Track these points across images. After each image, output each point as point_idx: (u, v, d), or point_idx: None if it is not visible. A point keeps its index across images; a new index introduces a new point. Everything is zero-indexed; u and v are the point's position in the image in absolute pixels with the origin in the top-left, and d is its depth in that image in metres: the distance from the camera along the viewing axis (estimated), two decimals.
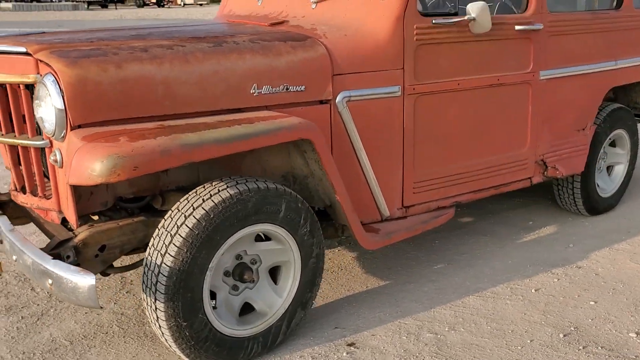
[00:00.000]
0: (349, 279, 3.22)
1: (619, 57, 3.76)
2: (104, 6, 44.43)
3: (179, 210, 2.24)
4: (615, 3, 3.75)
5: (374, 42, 2.74)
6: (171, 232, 2.19)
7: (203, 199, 2.23)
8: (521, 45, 3.20)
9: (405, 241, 3.63)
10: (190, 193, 2.29)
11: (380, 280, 3.20)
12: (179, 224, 2.20)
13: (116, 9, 41.34)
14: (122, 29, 2.85)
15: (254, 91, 2.46)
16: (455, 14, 2.89)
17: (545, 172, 3.53)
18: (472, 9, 2.84)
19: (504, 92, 3.19)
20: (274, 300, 2.52)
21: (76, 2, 45.42)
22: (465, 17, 2.86)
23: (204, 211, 2.20)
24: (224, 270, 2.41)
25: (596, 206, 4.03)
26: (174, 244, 2.17)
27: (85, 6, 43.48)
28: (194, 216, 2.19)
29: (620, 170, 4.20)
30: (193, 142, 2.08)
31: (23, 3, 41.81)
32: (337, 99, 2.66)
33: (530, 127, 3.36)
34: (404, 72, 2.81)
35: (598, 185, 4.11)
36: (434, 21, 2.84)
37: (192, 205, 2.22)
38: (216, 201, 2.22)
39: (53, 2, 45.38)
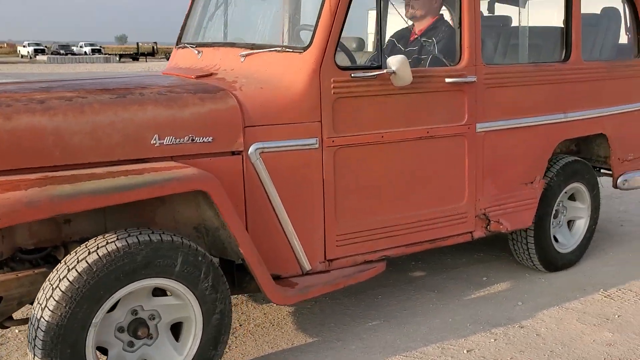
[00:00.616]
0: (277, 335, 3.12)
1: (569, 109, 3.70)
2: (135, 59, 45.75)
3: (65, 263, 2.20)
4: (563, 55, 3.71)
5: (290, 95, 2.73)
6: (53, 285, 2.15)
7: (89, 252, 2.20)
8: (454, 98, 3.16)
9: (346, 295, 3.53)
10: (82, 245, 2.26)
11: (309, 337, 3.09)
12: (61, 277, 2.16)
13: (146, 61, 42.57)
14: (42, 81, 2.89)
15: (155, 142, 2.45)
16: (379, 67, 2.87)
17: (488, 227, 3.43)
18: (392, 63, 2.82)
19: (436, 144, 3.14)
20: (172, 358, 2.44)
21: (108, 55, 47.04)
22: (385, 71, 2.84)
23: (87, 264, 2.16)
24: (117, 326, 2.35)
25: (554, 262, 3.89)
26: (53, 297, 2.13)
27: (117, 59, 44.87)
28: (76, 269, 2.15)
29: (581, 225, 4.07)
30: (65, 194, 2.06)
31: (58, 56, 43.40)
32: (250, 151, 2.64)
33: (468, 180, 3.29)
34: (322, 125, 2.79)
35: (557, 240, 3.99)
36: (352, 75, 2.82)
37: (77, 257, 2.19)
38: (101, 254, 2.18)
39: (87, 54, 47.01)
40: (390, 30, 3.77)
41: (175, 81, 2.85)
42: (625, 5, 4.21)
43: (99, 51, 49.21)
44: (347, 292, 3.56)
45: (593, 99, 3.86)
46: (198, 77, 2.98)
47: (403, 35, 3.56)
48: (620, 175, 4.19)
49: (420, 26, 3.48)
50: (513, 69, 3.40)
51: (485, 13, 4.26)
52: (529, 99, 3.48)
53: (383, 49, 2.93)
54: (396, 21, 3.77)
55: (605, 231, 4.79)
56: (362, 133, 2.90)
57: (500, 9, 5.13)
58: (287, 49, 2.88)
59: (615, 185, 4.21)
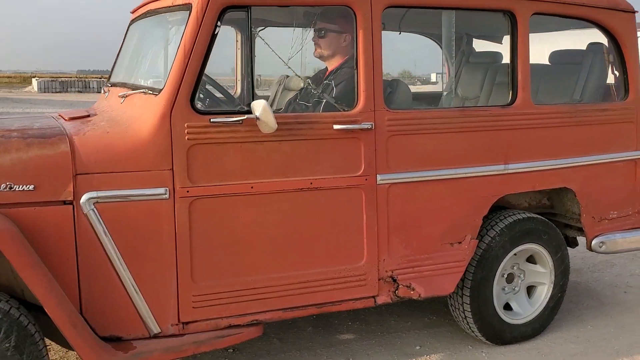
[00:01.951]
0: None
1: (511, 160, 3.23)
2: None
3: None
4: (509, 99, 3.27)
5: (136, 141, 2.54)
6: None
7: None
8: (346, 146, 2.83)
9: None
10: None
11: None
12: None
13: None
14: None
15: None
16: (248, 112, 2.62)
17: (396, 292, 3.02)
18: (255, 108, 2.57)
19: (322, 197, 2.81)
20: None
21: None
22: (245, 117, 2.59)
23: None
24: None
25: (500, 334, 3.38)
26: None
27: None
28: None
29: (542, 292, 3.53)
30: None
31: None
32: (82, 200, 2.46)
33: (368, 237, 2.91)
34: (174, 174, 2.56)
35: (511, 309, 3.47)
36: (212, 120, 2.59)
37: None
38: None
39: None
40: None
41: (30, 123, 2.74)
42: (609, 42, 3.67)
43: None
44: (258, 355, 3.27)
45: (550, 148, 3.35)
46: (71, 118, 2.87)
47: (317, 77, 3.28)
48: (596, 237, 3.60)
49: (331, 66, 3.18)
50: (426, 115, 3.01)
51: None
52: (451, 148, 3.06)
53: (252, 91, 2.68)
54: None
55: (601, 298, 4.15)
56: (227, 183, 2.65)
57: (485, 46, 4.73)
58: (148, 91, 2.70)
59: (589, 248, 3.63)
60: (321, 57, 3.19)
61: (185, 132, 2.56)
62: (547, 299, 3.51)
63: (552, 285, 3.50)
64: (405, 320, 3.77)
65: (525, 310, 3.48)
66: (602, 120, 3.54)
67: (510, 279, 3.48)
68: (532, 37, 4.47)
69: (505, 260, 3.32)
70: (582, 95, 3.81)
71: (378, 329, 3.65)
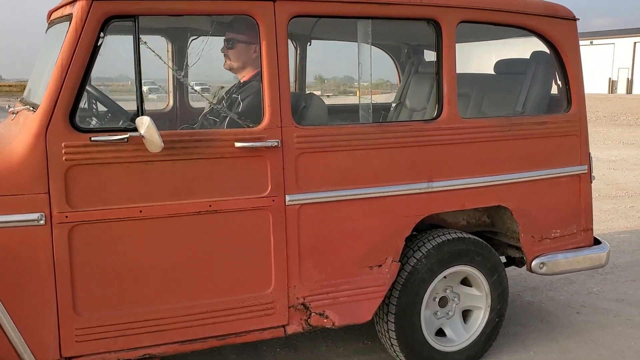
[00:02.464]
0: None
1: (436, 177, 3.03)
2: None
3: None
4: (435, 113, 3.07)
5: (9, 162, 2.35)
6: None
7: None
8: (250, 165, 2.64)
9: None
10: None
11: None
12: None
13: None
14: None
15: None
16: (134, 129, 2.42)
17: (308, 320, 2.81)
18: (139, 125, 2.37)
19: (223, 220, 2.61)
20: None
21: None
22: (127, 136, 2.39)
23: None
24: None
25: None
26: None
27: None
28: None
29: (478, 317, 3.32)
30: None
31: None
32: None
33: (276, 262, 2.71)
34: (50, 198, 2.37)
35: (445, 335, 3.27)
36: (92, 139, 2.40)
37: None
38: None
39: None
40: None
41: None
42: (550, 51, 3.48)
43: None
44: None
45: (481, 164, 3.15)
46: None
47: (231, 90, 3.09)
48: (536, 257, 3.40)
49: (242, 79, 2.99)
50: (340, 131, 2.81)
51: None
52: (368, 166, 2.86)
53: (140, 106, 2.48)
54: None
55: (551, 319, 3.94)
56: (111, 207, 2.45)
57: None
58: (31, 108, 2.51)
59: (529, 269, 3.42)
60: (231, 69, 3.01)
61: (63, 152, 2.36)
62: (483, 324, 3.30)
63: (488, 309, 3.30)
64: (338, 345, 3.56)
65: (459, 337, 3.28)
66: (541, 133, 3.34)
67: (443, 302, 3.28)
68: (480, 45, 4.31)
69: (433, 284, 3.12)
70: (524, 107, 3.62)
71: (308, 356, 3.44)
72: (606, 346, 3.57)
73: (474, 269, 3.22)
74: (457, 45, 3.19)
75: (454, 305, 3.30)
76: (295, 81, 4.53)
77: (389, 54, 4.86)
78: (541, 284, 4.60)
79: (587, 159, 3.53)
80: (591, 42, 49.71)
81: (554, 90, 3.63)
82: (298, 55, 4.42)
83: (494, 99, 3.88)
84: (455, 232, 3.18)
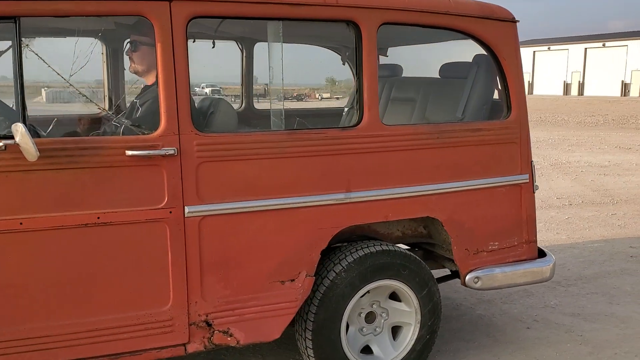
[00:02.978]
0: None
1: (354, 187, 2.87)
2: None
3: None
4: (355, 118, 2.92)
5: None
6: None
7: None
8: (144, 175, 2.50)
9: None
10: None
11: None
12: None
13: None
14: None
15: None
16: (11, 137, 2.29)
17: (211, 339, 2.67)
18: (14, 132, 2.24)
19: (114, 233, 2.47)
20: None
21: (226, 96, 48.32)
22: (2, 144, 2.26)
23: None
24: None
25: None
26: None
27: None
28: None
29: (407, 333, 3.16)
30: None
31: None
32: None
33: (174, 277, 2.57)
34: None
35: (372, 352, 3.11)
36: None
37: None
38: None
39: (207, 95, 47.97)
40: None
41: None
42: (488, 55, 3.31)
43: (218, 92, 50.65)
44: None
45: (407, 173, 3.00)
46: None
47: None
48: (471, 271, 3.23)
49: (148, 83, 2.86)
50: (246, 139, 2.67)
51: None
52: (278, 175, 2.72)
53: (23, 112, 2.35)
54: None
55: (498, 335, 3.77)
56: None
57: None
58: None
59: (463, 284, 3.26)
60: (137, 73, 2.87)
61: None
62: (413, 341, 3.14)
63: (418, 325, 3.14)
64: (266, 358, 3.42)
65: (387, 354, 3.12)
66: (476, 141, 3.18)
67: (371, 318, 3.13)
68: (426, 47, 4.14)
69: (355, 299, 2.96)
70: (464, 113, 3.46)
71: None
72: None
73: (401, 283, 3.06)
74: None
75: (382, 321, 3.14)
76: (242, 85, 4.40)
77: (343, 57, 4.71)
78: (497, 297, 4.43)
79: (529, 168, 3.36)
80: (603, 45, 49.78)
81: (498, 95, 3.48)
82: (244, 58, 4.29)
83: (438, 104, 3.73)
84: (379, 244, 3.03)
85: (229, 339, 2.68)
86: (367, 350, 3.14)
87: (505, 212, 3.31)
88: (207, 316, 2.65)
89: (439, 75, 3.80)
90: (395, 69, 4.30)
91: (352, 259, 2.94)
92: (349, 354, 2.98)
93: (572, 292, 4.54)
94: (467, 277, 3.22)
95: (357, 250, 2.98)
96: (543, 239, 5.95)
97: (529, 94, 54.00)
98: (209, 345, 2.66)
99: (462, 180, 3.15)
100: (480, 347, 3.61)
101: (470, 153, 3.16)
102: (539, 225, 6.45)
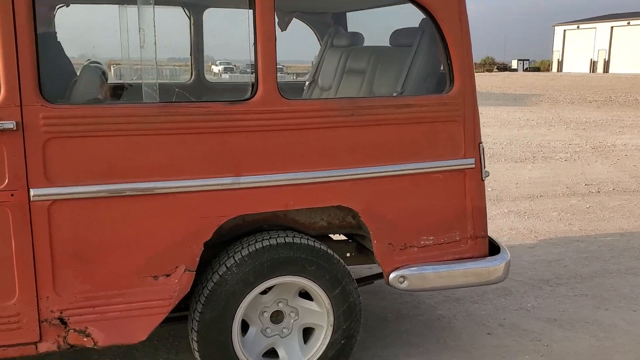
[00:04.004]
0: None
1: (246, 171, 2.49)
2: None
3: None
4: (249, 91, 2.52)
5: None
6: None
7: None
8: None
9: None
10: None
11: None
12: None
13: None
14: None
15: None
16: None
17: (66, 338, 2.37)
18: None
19: None
20: None
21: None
22: None
23: None
24: None
25: None
26: None
27: None
28: None
29: (319, 337, 2.77)
30: None
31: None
32: None
33: (20, 270, 2.28)
34: None
35: (277, 356, 2.75)
36: None
37: None
38: None
39: None
40: None
41: None
42: (428, 20, 2.83)
43: (231, 70, 50.08)
44: None
45: (314, 156, 2.59)
46: None
47: None
48: (396, 269, 2.80)
49: None
50: (107, 112, 2.32)
51: None
52: (150, 155, 2.37)
53: None
54: None
55: (450, 340, 3.32)
56: None
57: None
58: None
59: (387, 283, 2.83)
60: None
61: None
62: (325, 346, 2.76)
63: (331, 328, 2.75)
64: (180, 356, 3.11)
65: (294, 359, 2.75)
66: (403, 119, 2.72)
67: (280, 317, 2.76)
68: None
69: (250, 297, 2.60)
70: (403, 86, 3.00)
71: None
72: None
73: (308, 280, 2.67)
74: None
75: (291, 321, 2.77)
76: (191, 54, 4.05)
77: (310, 26, 4.28)
78: (468, 295, 3.95)
79: (476, 151, 2.88)
80: (628, 23, 48.36)
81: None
82: (192, 26, 3.93)
83: (384, 76, 3.27)
84: (281, 236, 2.64)
85: (85, 339, 2.37)
86: (274, 354, 2.78)
87: (443, 202, 2.85)
88: (61, 313, 2.35)
89: (389, 43, 3.34)
90: (355, 38, 3.84)
91: (247, 252, 2.57)
92: (242, 358, 2.63)
93: (558, 293, 4.01)
94: (390, 276, 2.79)
95: (252, 243, 2.60)
96: (550, 231, 5.37)
97: (557, 71, 52.29)
98: (64, 345, 2.36)
99: (384, 165, 2.71)
100: (423, 353, 3.18)
101: (396, 133, 2.71)
102: (552, 215, 5.87)
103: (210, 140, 2.44)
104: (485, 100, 20.31)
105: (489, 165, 8.34)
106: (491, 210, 6.00)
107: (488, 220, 5.54)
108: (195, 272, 2.49)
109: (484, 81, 35.93)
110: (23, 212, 2.25)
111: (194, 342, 2.58)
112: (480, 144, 2.90)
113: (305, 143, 2.57)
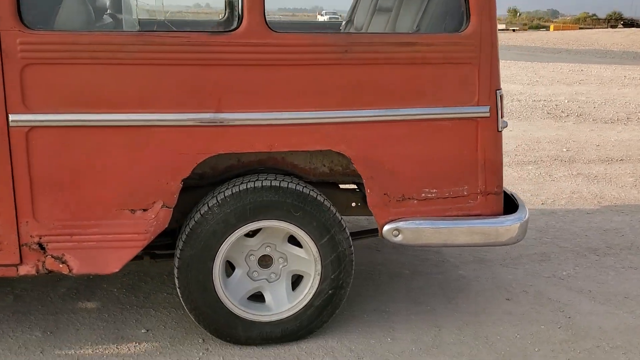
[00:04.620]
0: None
1: (226, 107, 2.38)
2: None
3: None
4: (234, 22, 2.39)
5: None
6: None
7: None
8: None
9: None
10: None
11: None
12: None
13: None
14: None
15: None
16: None
17: (44, 263, 2.41)
18: None
19: None
20: None
21: None
22: None
23: None
24: None
25: (229, 331, 2.63)
26: None
27: None
28: None
29: (306, 285, 2.67)
30: None
31: None
32: None
33: (0, 193, 2.33)
34: None
35: (263, 301, 2.70)
36: None
37: None
38: None
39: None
40: None
41: None
42: None
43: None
44: None
45: (302, 94, 2.44)
46: None
47: None
48: (391, 221, 2.62)
49: None
50: (82, 39, 2.26)
51: None
52: (127, 86, 2.31)
53: None
54: None
55: (463, 302, 3.12)
56: None
57: None
58: None
59: (381, 236, 2.66)
60: None
61: None
62: (311, 295, 2.66)
63: (318, 277, 2.64)
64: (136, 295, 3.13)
65: (279, 306, 2.67)
66: (405, 59, 2.49)
67: (269, 262, 2.68)
68: None
69: (232, 239, 2.53)
70: (419, 24, 2.76)
71: (105, 298, 3.07)
72: (488, 348, 2.72)
73: (294, 226, 2.56)
74: None
75: (280, 267, 2.69)
76: None
77: None
78: (499, 256, 3.69)
79: (492, 99, 2.60)
80: None
81: None
82: None
83: (407, 13, 3.03)
84: (268, 179, 2.53)
85: (61, 265, 2.41)
86: (263, 298, 2.72)
87: (450, 152, 2.61)
88: (40, 239, 2.39)
89: None
90: None
91: (230, 193, 2.49)
92: (224, 298, 2.59)
93: (603, 263, 3.65)
94: (384, 228, 2.62)
95: (237, 184, 2.51)
96: (619, 197, 4.91)
97: None
98: (42, 269, 2.41)
99: (383, 109, 2.50)
100: (428, 312, 3.00)
101: (397, 74, 2.49)
102: (627, 180, 5.39)
103: (189, 72, 2.34)
104: (592, 58, 18.87)
105: (572, 126, 7.75)
106: (558, 172, 5.57)
107: (552, 183, 5.17)
108: (172, 209, 2.45)
109: (603, 37, 33.34)
110: (2, 137, 2.28)
111: (175, 279, 2.57)
112: (499, 91, 2.61)
113: (293, 81, 2.42)
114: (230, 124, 2.40)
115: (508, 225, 2.67)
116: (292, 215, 2.54)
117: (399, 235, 2.61)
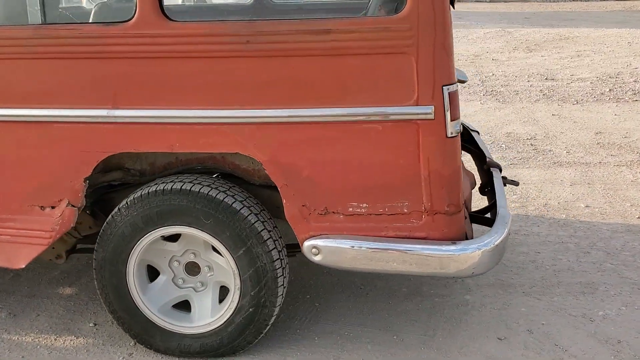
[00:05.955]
0: None
1: (122, 104, 2.21)
2: None
3: None
4: (130, 11, 2.20)
5: None
6: None
7: None
8: None
9: None
10: None
11: None
12: None
13: None
14: None
15: None
16: None
17: None
18: None
19: None
20: None
21: None
22: None
23: None
24: None
25: (147, 339, 2.51)
26: None
27: None
28: None
29: (228, 299, 2.43)
30: None
31: None
32: None
33: None
34: None
35: (197, 310, 2.53)
36: None
37: None
38: None
39: None
40: None
41: None
42: None
43: None
44: None
45: (204, 90, 2.18)
46: None
47: None
48: (312, 237, 2.26)
49: None
50: None
51: None
52: (26, 81, 2.27)
53: None
54: None
55: (450, 338, 2.63)
56: None
57: None
58: None
59: (302, 251, 2.31)
60: None
61: None
62: (231, 311, 2.42)
63: (238, 292, 2.39)
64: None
65: (201, 317, 2.48)
66: (322, 49, 2.10)
67: (196, 270, 2.50)
68: None
69: (143, 243, 2.38)
70: (369, 5, 2.33)
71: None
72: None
73: (206, 234, 2.33)
74: None
75: (207, 276, 2.48)
76: None
77: None
78: (527, 282, 3.06)
79: (437, 97, 2.10)
80: None
81: None
82: None
83: None
84: (178, 182, 2.32)
85: None
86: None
87: (382, 160, 2.17)
88: None
89: None
90: None
91: (138, 195, 2.34)
92: (140, 304, 2.46)
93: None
94: (304, 245, 2.27)
95: (150, 186, 2.35)
96: None
97: None
98: None
99: (296, 108, 2.15)
100: (391, 343, 2.58)
101: (312, 68, 2.12)
102: None
103: (86, 67, 2.23)
104: None
105: (614, 107, 6.28)
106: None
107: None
108: (78, 209, 2.37)
109: None
110: None
111: (95, 281, 2.50)
112: (446, 87, 2.10)
113: (192, 75, 2.18)
114: (126, 121, 2.24)
115: (455, 254, 2.16)
116: (202, 223, 2.31)
117: (318, 255, 2.25)
